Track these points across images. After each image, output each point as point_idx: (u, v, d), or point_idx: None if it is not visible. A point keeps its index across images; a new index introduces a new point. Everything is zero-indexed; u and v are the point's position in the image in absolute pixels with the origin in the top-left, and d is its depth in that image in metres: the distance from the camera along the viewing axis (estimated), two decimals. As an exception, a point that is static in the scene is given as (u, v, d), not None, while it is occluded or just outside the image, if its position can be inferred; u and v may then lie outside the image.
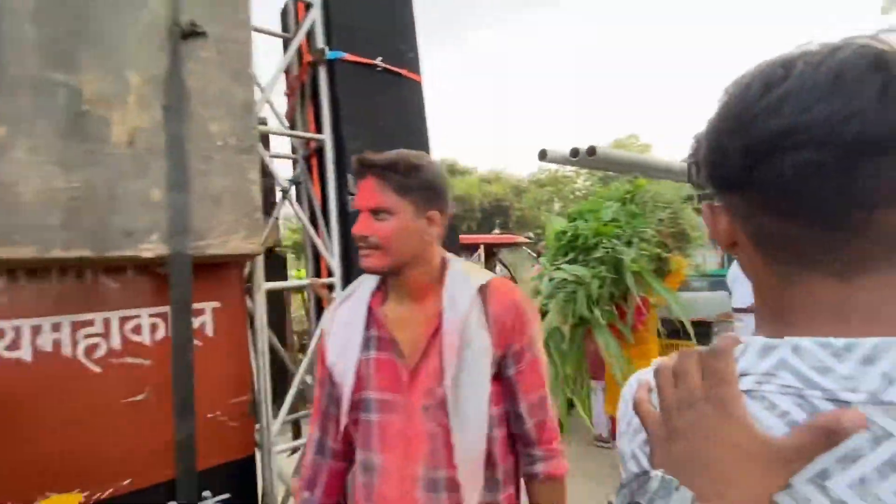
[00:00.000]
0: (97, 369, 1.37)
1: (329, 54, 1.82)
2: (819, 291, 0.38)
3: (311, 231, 1.78)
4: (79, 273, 1.34)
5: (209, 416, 1.54)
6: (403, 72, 2.04)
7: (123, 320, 1.42)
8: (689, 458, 0.36)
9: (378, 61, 1.93)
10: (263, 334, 1.62)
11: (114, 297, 1.41)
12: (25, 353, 1.25)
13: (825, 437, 0.32)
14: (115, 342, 1.40)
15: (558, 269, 2.62)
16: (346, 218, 1.79)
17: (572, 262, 2.63)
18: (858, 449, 0.32)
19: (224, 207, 1.32)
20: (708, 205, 0.44)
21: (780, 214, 0.38)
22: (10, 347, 1.24)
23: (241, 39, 1.41)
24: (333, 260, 1.79)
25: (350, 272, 1.80)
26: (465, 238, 7.24)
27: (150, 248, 1.20)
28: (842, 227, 0.36)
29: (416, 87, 2.10)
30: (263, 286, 1.64)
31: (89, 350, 1.36)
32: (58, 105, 1.09)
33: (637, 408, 0.43)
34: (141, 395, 1.43)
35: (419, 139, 2.07)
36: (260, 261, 1.64)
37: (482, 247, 5.89)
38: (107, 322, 1.39)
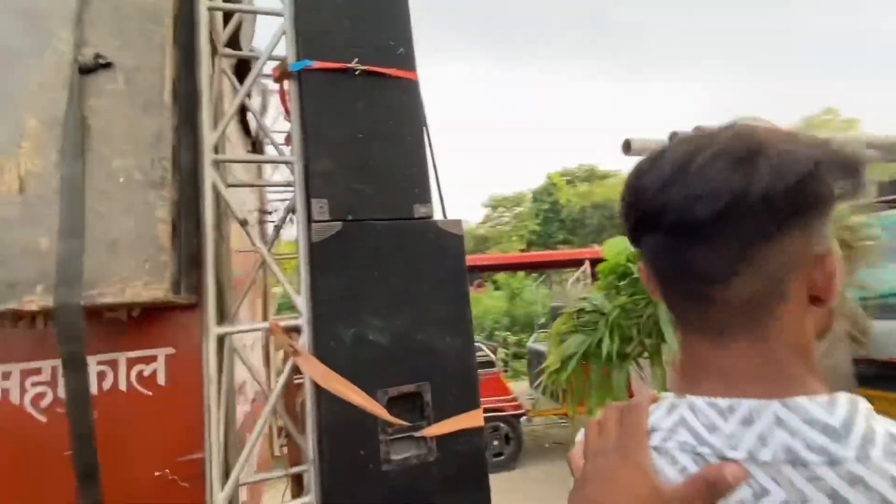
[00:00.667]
0: (42, 419, 1.36)
1: (292, 65, 1.62)
2: (702, 353, 0.45)
3: (274, 266, 1.58)
4: (31, 320, 1.37)
5: (157, 474, 1.43)
6: (391, 71, 1.73)
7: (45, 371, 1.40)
8: (593, 500, 0.42)
9: (354, 63, 1.67)
10: (212, 386, 1.46)
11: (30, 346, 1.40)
12: (-23, 400, 1.30)
13: (709, 487, 0.38)
14: (61, 391, 1.38)
15: (583, 298, 2.07)
16: (313, 249, 1.55)
17: (616, 288, 2.00)
18: (742, 503, 0.38)
19: (122, 252, 1.19)
20: (640, 262, 0.51)
21: (660, 282, 0.47)
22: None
23: (154, 66, 1.29)
24: (300, 298, 1.55)
25: (320, 312, 1.55)
26: (567, 254, 6.43)
27: (35, 300, 1.12)
28: (693, 298, 0.44)
29: (408, 87, 1.77)
30: (214, 331, 1.48)
31: (35, 399, 1.36)
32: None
33: (570, 459, 0.49)
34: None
35: (410, 146, 1.73)
36: (211, 301, 1.50)
37: (587, 262, 5.09)
38: (54, 370, 1.38)
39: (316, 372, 1.48)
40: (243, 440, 1.78)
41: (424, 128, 1.88)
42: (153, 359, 1.47)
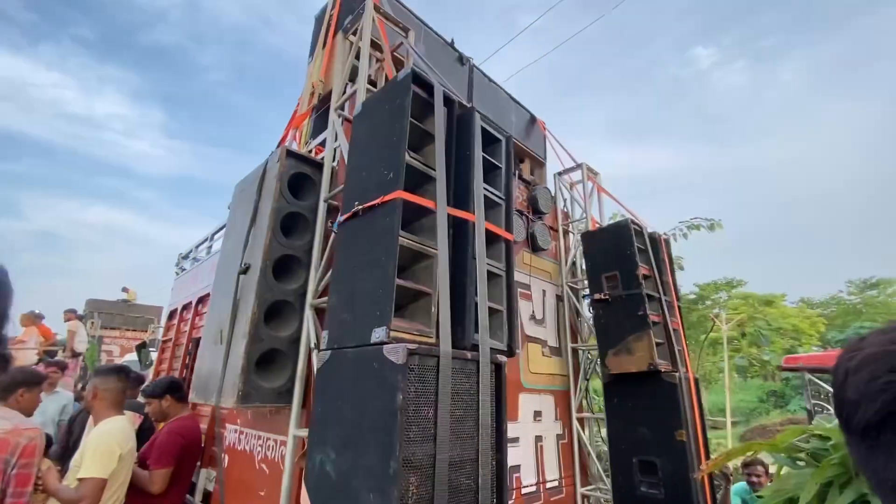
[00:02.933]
0: (256, 467, 2.37)
1: (334, 226, 2.08)
2: None
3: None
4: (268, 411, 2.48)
5: (274, 528, 2.08)
6: (378, 200, 1.82)
7: (265, 438, 2.37)
8: None
9: (356, 206, 1.91)
10: (285, 474, 1.99)
11: (267, 423, 2.41)
12: (245, 447, 2.49)
13: None
14: (262, 453, 2.37)
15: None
16: (317, 375, 1.83)
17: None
18: None
19: (230, 378, 2.06)
20: None
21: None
22: (239, 443, 2.53)
23: (257, 263, 2.20)
24: (320, 416, 1.85)
25: (309, 434, 1.78)
26: None
27: (212, 401, 2.15)
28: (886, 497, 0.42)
29: (391, 207, 1.76)
30: (293, 431, 2.04)
31: (256, 453, 2.40)
32: (216, 334, 2.39)
33: None
34: (262, 492, 2.26)
35: (382, 268, 1.68)
36: (295, 408, 2.08)
37: None
38: (262, 438, 2.40)
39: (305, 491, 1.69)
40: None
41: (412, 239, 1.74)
42: (284, 442, 2.21)
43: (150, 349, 6.30)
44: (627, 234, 3.66)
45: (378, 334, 1.58)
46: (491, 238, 2.07)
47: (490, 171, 2.21)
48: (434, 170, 1.95)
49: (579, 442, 3.83)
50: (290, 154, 2.42)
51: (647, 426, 3.35)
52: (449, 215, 1.93)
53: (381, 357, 1.51)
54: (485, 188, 2.07)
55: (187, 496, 2.99)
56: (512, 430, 3.34)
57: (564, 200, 4.68)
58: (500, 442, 1.70)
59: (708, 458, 3.41)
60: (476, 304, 1.80)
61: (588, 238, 3.97)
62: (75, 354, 8.87)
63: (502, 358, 1.81)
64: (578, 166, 4.52)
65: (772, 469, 6.23)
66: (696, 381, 3.62)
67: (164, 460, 2.57)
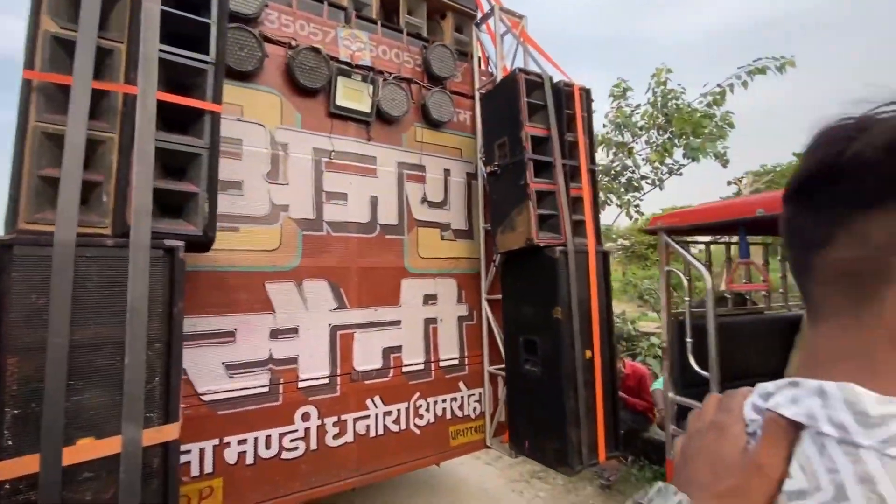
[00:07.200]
0: None
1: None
2: (807, 335, 0.43)
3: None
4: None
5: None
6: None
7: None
8: (693, 476, 0.43)
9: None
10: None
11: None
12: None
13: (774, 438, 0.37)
14: None
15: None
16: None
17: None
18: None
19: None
20: None
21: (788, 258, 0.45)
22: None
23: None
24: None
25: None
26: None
27: None
28: (799, 268, 0.43)
29: (25, 95, 1.60)
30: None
31: None
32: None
33: (675, 445, 0.50)
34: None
35: (17, 165, 1.59)
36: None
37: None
38: None
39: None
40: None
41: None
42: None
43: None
44: (516, 89, 3.02)
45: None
46: (192, 113, 1.83)
47: (197, 31, 1.88)
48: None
49: (489, 323, 3.69)
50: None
51: (531, 305, 3.08)
52: (122, 93, 1.72)
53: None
54: (171, 52, 1.78)
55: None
56: (393, 313, 3.33)
57: (488, 58, 3.94)
58: (171, 326, 1.68)
59: (607, 336, 3.08)
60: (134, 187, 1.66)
61: (484, 100, 3.37)
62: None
63: (175, 243, 1.70)
64: (491, 11, 3.69)
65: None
66: (605, 255, 3.15)
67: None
